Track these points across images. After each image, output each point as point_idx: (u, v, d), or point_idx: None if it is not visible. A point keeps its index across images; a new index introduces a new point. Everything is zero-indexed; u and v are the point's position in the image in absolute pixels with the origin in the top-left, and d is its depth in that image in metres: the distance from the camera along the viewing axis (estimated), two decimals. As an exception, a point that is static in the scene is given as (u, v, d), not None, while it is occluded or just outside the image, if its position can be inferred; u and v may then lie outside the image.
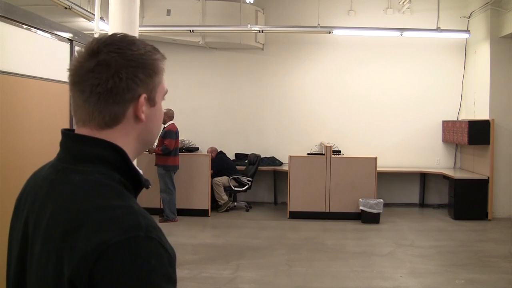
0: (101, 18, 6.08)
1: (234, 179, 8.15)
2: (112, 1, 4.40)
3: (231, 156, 8.86)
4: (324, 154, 7.81)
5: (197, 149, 8.91)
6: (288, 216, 7.70)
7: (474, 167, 8.27)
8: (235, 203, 8.45)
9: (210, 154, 8.07)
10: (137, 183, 0.96)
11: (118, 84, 0.91)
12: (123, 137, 0.94)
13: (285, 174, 8.03)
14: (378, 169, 7.72)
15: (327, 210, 7.64)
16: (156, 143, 7.06)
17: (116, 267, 0.77)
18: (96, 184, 0.88)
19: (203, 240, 6.57)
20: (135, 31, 4.45)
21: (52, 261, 0.82)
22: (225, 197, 8.14)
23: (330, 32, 8.06)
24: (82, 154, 0.92)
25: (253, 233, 6.90)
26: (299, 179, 7.69)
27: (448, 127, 8.57)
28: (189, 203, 7.67)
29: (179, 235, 6.55)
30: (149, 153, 7.17)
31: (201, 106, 9.16)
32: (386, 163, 8.52)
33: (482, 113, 8.06)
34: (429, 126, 8.90)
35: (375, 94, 8.94)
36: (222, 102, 9.19)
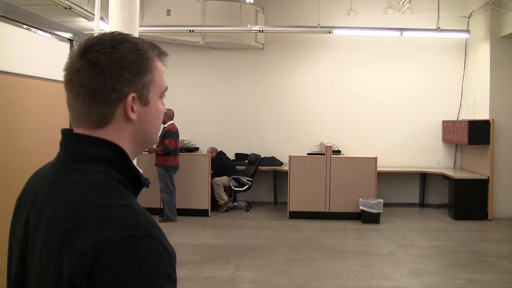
0: (101, 18, 6.08)
1: (234, 179, 8.15)
2: (112, 1, 4.40)
3: (231, 156, 8.86)
4: (324, 154, 7.81)
5: (197, 149, 8.92)
6: (288, 216, 7.70)
7: (474, 167, 8.27)
8: (235, 203, 8.45)
9: (210, 154, 8.07)
10: (137, 182, 0.95)
11: (102, 84, 0.90)
12: (115, 137, 0.93)
13: (285, 174, 8.03)
14: (378, 169, 7.72)
15: (327, 210, 7.64)
16: (156, 143, 7.05)
17: (115, 266, 0.77)
18: (96, 183, 0.88)
19: (203, 240, 6.57)
20: (135, 31, 4.45)
21: (52, 260, 0.82)
22: (225, 197, 8.14)
23: (330, 32, 8.06)
24: (82, 154, 0.92)
25: (253, 233, 6.90)
26: (299, 179, 7.69)
27: (448, 127, 8.57)
28: (189, 203, 7.67)
29: (179, 235, 6.55)
30: (149, 153, 7.17)
31: (201, 106, 9.16)
32: (386, 163, 8.52)
33: (482, 113, 8.06)
34: (429, 126, 8.90)
35: (375, 94, 8.94)
36: (222, 102, 9.19)
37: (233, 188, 8.14)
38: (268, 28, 8.39)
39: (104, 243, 0.78)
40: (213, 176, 8.05)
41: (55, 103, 2.55)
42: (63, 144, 0.96)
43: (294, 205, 7.70)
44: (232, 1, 8.38)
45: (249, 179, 8.19)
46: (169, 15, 8.20)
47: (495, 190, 7.72)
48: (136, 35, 4.48)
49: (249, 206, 8.44)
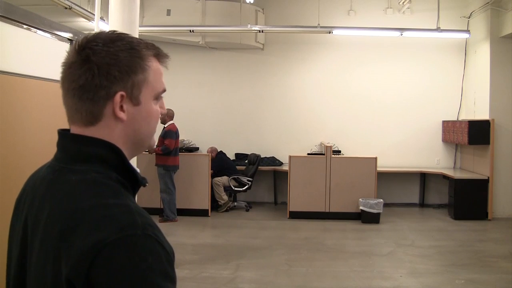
0: (101, 18, 6.08)
1: (234, 179, 8.15)
2: (112, 1, 4.39)
3: (231, 156, 8.86)
4: (324, 154, 7.81)
5: (197, 149, 8.92)
6: (288, 216, 7.70)
7: (474, 167, 8.27)
8: (235, 203, 8.45)
9: (210, 154, 8.07)
10: (134, 181, 0.95)
11: (90, 80, 0.90)
12: (106, 136, 0.93)
13: (285, 174, 8.03)
14: (378, 169, 7.72)
15: (327, 210, 7.64)
16: (156, 143, 7.06)
17: (113, 266, 0.77)
18: (93, 183, 0.88)
19: (203, 240, 6.57)
20: (135, 31, 4.45)
21: (50, 260, 0.82)
22: (225, 197, 8.14)
23: (330, 32, 8.06)
24: (79, 154, 0.92)
25: (253, 233, 6.90)
26: (299, 179, 7.69)
27: (448, 127, 8.57)
28: (189, 203, 7.67)
29: (179, 235, 6.55)
30: (149, 153, 7.17)
31: (201, 106, 9.16)
32: (386, 163, 8.52)
33: (482, 113, 8.06)
34: (429, 126, 8.90)
35: (375, 94, 8.94)
36: (222, 102, 9.19)
37: (233, 188, 8.14)
38: (268, 28, 8.39)
39: (102, 243, 0.77)
40: (213, 176, 8.05)
41: (55, 103, 2.54)
42: (59, 144, 0.96)
43: (294, 205, 7.70)
44: (232, 1, 8.39)
45: (249, 179, 8.19)
46: (169, 15, 8.20)
47: (495, 190, 7.72)
48: (136, 35, 4.48)
49: (249, 206, 8.45)
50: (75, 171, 0.90)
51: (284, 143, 8.97)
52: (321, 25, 8.00)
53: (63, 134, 0.96)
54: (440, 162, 8.94)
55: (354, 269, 5.26)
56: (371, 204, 7.31)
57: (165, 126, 7.18)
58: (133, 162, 3.74)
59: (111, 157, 0.92)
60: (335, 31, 8.05)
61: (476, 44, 8.34)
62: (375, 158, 7.67)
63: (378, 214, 7.33)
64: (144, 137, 0.99)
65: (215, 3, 8.42)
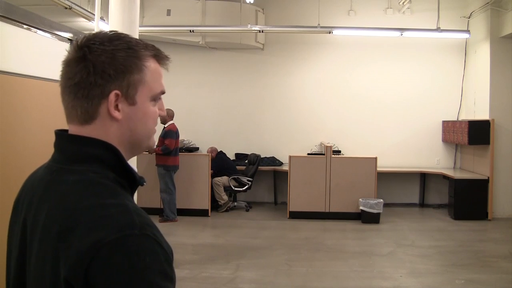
0: (101, 18, 6.08)
1: (234, 179, 8.15)
2: (112, 1, 4.40)
3: (231, 156, 8.86)
4: (324, 154, 7.81)
5: (197, 149, 8.92)
6: (288, 216, 7.70)
7: (474, 167, 8.27)
8: (235, 203, 8.45)
9: (210, 154, 8.07)
10: (132, 181, 0.95)
11: (85, 78, 0.90)
12: (102, 134, 0.93)
13: (285, 174, 8.03)
14: (378, 169, 7.72)
15: (327, 210, 7.64)
16: (156, 143, 7.06)
17: (111, 266, 0.77)
18: (90, 184, 0.88)
19: (203, 240, 6.57)
20: (135, 31, 4.45)
21: (49, 261, 0.82)
22: (225, 197, 8.14)
23: (330, 32, 8.06)
24: (76, 154, 0.92)
25: (253, 233, 6.90)
26: (299, 179, 7.69)
27: (448, 127, 8.57)
28: (189, 203, 7.67)
29: (179, 235, 6.55)
30: (149, 153, 7.17)
31: (201, 106, 9.16)
32: (386, 163, 8.52)
33: (482, 113, 8.06)
34: (429, 126, 8.90)
35: (375, 94, 8.94)
36: (222, 102, 9.19)
37: (233, 188, 8.14)
38: (268, 28, 8.39)
39: (100, 244, 0.77)
40: (213, 176, 8.05)
41: (55, 103, 2.54)
42: (57, 145, 0.96)
43: (294, 205, 7.70)
44: (232, 1, 8.38)
45: (249, 179, 8.19)
46: (169, 15, 8.20)
47: (495, 190, 7.72)
48: (136, 35, 4.48)
49: (249, 206, 8.44)
50: (72, 171, 0.90)
51: (284, 143, 8.97)
52: (321, 25, 8.00)
53: (60, 134, 0.96)
54: (440, 162, 8.94)
55: (354, 269, 5.26)
56: (371, 204, 7.31)
57: (165, 126, 7.18)
58: (133, 162, 3.74)
59: (108, 157, 0.92)
60: (335, 31, 8.05)
61: (476, 44, 8.34)
62: (375, 158, 7.67)
63: (378, 214, 7.33)
64: (140, 138, 0.98)
65: (215, 3, 8.42)
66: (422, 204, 8.86)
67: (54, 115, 2.64)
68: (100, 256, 0.77)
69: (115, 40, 0.93)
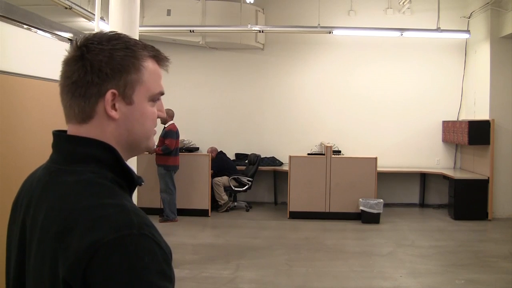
0: (101, 18, 6.08)
1: (234, 179, 8.15)
2: (112, 1, 4.40)
3: (231, 156, 8.86)
4: (324, 154, 7.81)
5: (197, 149, 8.92)
6: (288, 216, 7.70)
7: (474, 167, 8.27)
8: (235, 203, 8.45)
9: (210, 154, 8.07)
10: (130, 180, 0.95)
11: (82, 77, 0.90)
12: (99, 134, 0.93)
13: (285, 174, 8.03)
14: (378, 169, 7.72)
15: (327, 210, 7.64)
16: (156, 143, 7.06)
17: (109, 266, 0.77)
18: (88, 184, 0.88)
19: (203, 240, 6.57)
20: (135, 31, 4.45)
21: (47, 262, 0.82)
22: (225, 197, 8.14)
23: (330, 32, 8.06)
24: (74, 155, 0.92)
25: (253, 233, 6.90)
26: (299, 179, 7.69)
27: (448, 127, 8.57)
28: (189, 203, 7.67)
29: (179, 235, 6.55)
30: (149, 153, 7.17)
31: (201, 106, 9.16)
32: (386, 163, 8.52)
33: (482, 113, 8.06)
34: (429, 126, 8.90)
35: (375, 94, 8.94)
36: (222, 102, 9.19)
37: (233, 188, 8.14)
38: (268, 28, 8.39)
39: (98, 244, 0.77)
40: (213, 176, 8.05)
41: (55, 103, 2.54)
42: (54, 146, 0.96)
43: (294, 205, 7.70)
44: (232, 1, 8.39)
45: (249, 179, 8.19)
46: (169, 15, 8.20)
47: (495, 190, 7.72)
48: (136, 35, 4.48)
49: (249, 206, 8.44)
50: (70, 172, 0.90)
51: (284, 143, 8.97)
52: (321, 25, 8.00)
53: (58, 135, 0.96)
54: (440, 162, 8.94)
55: (354, 269, 5.26)
56: (371, 204, 7.31)
57: (166, 126, 7.18)
58: (133, 162, 3.74)
59: (106, 157, 0.92)
60: (335, 31, 8.05)
61: (476, 44, 8.34)
62: (375, 158, 7.67)
63: (378, 214, 7.33)
64: (138, 138, 0.98)
65: (215, 3, 8.42)
66: (422, 204, 8.86)
67: (54, 115, 2.64)
68: (98, 256, 0.77)
69: (114, 40, 0.93)
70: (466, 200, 7.61)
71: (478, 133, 7.67)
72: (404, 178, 8.85)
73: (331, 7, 8.83)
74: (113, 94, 0.92)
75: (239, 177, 8.19)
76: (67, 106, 0.94)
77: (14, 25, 2.49)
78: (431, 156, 8.92)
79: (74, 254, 0.78)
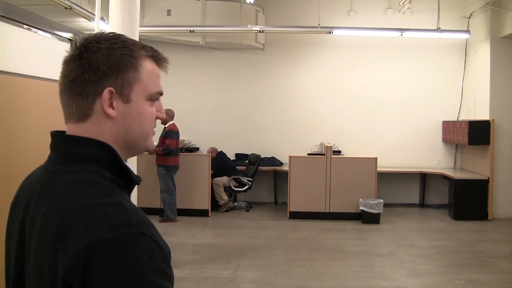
0: (102, 18, 6.08)
1: (234, 179, 8.15)
2: (113, 1, 4.40)
3: (231, 156, 8.86)
4: (324, 154, 7.81)
5: (197, 149, 8.91)
6: (288, 216, 7.70)
7: (474, 167, 8.27)
8: (235, 203, 8.45)
9: (210, 154, 8.07)
10: (128, 180, 0.95)
11: (80, 75, 0.91)
12: (97, 132, 0.93)
13: (285, 174, 8.03)
14: (378, 169, 7.72)
15: (327, 210, 7.64)
16: (157, 143, 7.07)
17: (108, 265, 0.77)
18: (87, 183, 0.88)
19: (203, 240, 6.57)
20: (136, 31, 4.45)
21: (47, 262, 0.82)
22: (225, 197, 8.14)
23: (330, 32, 8.06)
24: (72, 154, 0.92)
25: (253, 233, 6.90)
26: (299, 179, 7.69)
27: (448, 127, 8.57)
28: (189, 203, 7.67)
29: (179, 235, 6.55)
30: (149, 153, 7.16)
31: (201, 106, 9.16)
32: (386, 163, 8.52)
33: (482, 113, 8.06)
34: (429, 126, 8.90)
35: (375, 94, 8.94)
36: (222, 102, 9.19)
37: (233, 188, 8.14)
38: (268, 29, 8.39)
39: (97, 243, 0.78)
40: (213, 176, 8.05)
41: (55, 103, 2.54)
42: (53, 146, 0.97)
43: (294, 205, 7.70)
44: (232, 1, 8.39)
45: (249, 179, 8.19)
46: (170, 15, 8.20)
47: (495, 190, 7.72)
48: (136, 35, 4.48)
49: (249, 206, 8.44)
50: (69, 171, 0.90)
51: (284, 143, 8.97)
52: (321, 25, 8.00)
53: (56, 135, 0.96)
54: (440, 163, 8.94)
55: (354, 269, 5.26)
56: (371, 204, 7.31)
57: (166, 126, 7.18)
58: (133, 162, 3.74)
59: (105, 157, 0.92)
60: (335, 31, 8.05)
61: (476, 45, 8.34)
62: (375, 158, 7.67)
63: (378, 214, 7.33)
64: (136, 138, 0.97)
65: (215, 3, 8.42)
66: (422, 204, 8.86)
67: (54, 115, 2.64)
68: (97, 255, 0.77)
69: (112, 39, 0.94)
70: (466, 200, 7.61)
71: (478, 133, 7.67)
72: (404, 178, 8.85)
73: (331, 7, 8.83)
74: (111, 92, 0.92)
75: (239, 177, 8.19)
76: (65, 105, 0.95)
77: (14, 25, 2.49)
78: (431, 156, 8.93)
79: (73, 253, 0.78)
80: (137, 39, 4.48)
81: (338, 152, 8.31)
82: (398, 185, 8.88)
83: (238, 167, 8.52)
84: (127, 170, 0.95)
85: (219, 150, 8.48)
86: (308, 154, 8.30)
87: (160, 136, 7.15)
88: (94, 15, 5.00)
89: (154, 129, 1.02)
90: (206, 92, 9.19)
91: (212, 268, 5.21)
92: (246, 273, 5.10)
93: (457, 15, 8.59)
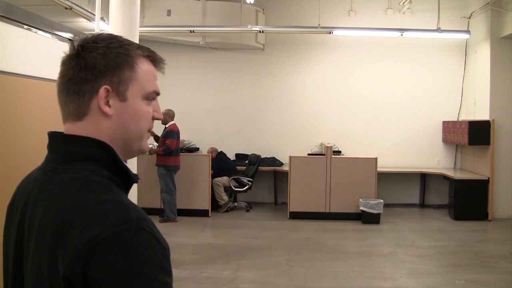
0: (102, 18, 6.09)
1: (234, 179, 8.15)
2: (113, 2, 4.40)
3: (232, 157, 8.86)
4: (324, 155, 7.81)
5: (197, 149, 8.91)
6: (288, 217, 7.70)
7: (474, 168, 8.27)
8: (235, 204, 8.45)
9: (210, 154, 8.07)
10: (126, 178, 0.96)
11: (76, 74, 0.92)
12: (94, 131, 0.93)
13: (285, 174, 8.03)
14: (379, 169, 7.72)
15: (327, 211, 7.64)
16: (150, 147, 7.08)
17: (109, 261, 0.78)
18: (85, 181, 0.88)
19: (204, 240, 6.57)
20: (136, 31, 4.45)
21: (46, 260, 0.83)
22: (225, 198, 8.14)
23: (330, 33, 8.06)
24: (70, 154, 0.93)
25: (253, 233, 6.90)
26: (299, 179, 7.69)
27: (448, 127, 8.57)
28: (190, 203, 7.67)
29: (179, 235, 6.55)
30: (150, 154, 7.16)
31: (201, 106, 9.16)
32: (386, 164, 8.52)
33: (482, 114, 8.06)
34: (430, 126, 8.90)
35: (376, 95, 8.94)
36: (222, 102, 9.19)
37: (234, 188, 8.14)
38: (268, 29, 8.39)
39: (97, 239, 0.78)
40: (214, 176, 8.05)
41: (55, 103, 2.55)
42: (50, 146, 0.97)
43: (294, 206, 7.69)
44: (232, 1, 8.39)
45: (250, 179, 8.19)
46: (170, 15, 8.20)
47: (495, 190, 7.72)
48: (137, 35, 4.48)
49: (249, 206, 8.44)
50: (67, 170, 0.90)
51: (284, 143, 8.97)
52: (321, 26, 8.00)
53: (53, 135, 0.97)
54: (440, 163, 8.93)
55: (354, 269, 5.26)
56: (371, 204, 7.30)
57: (166, 126, 7.18)
58: (133, 162, 3.74)
59: (102, 155, 0.92)
60: (335, 32, 8.05)
61: (476, 45, 8.34)
62: (376, 159, 7.67)
63: (378, 215, 7.33)
64: (132, 136, 0.97)
65: (216, 4, 8.42)
66: (422, 205, 8.86)
67: (54, 115, 2.64)
68: (97, 252, 0.77)
69: (108, 39, 0.95)
70: (466, 200, 7.61)
71: (478, 133, 7.67)
72: (404, 178, 8.85)
73: (331, 7, 8.83)
74: (107, 90, 0.92)
75: (239, 177, 8.19)
76: (63, 104, 0.95)
77: (14, 25, 2.49)
78: (431, 156, 8.92)
79: (74, 250, 0.78)
80: (137, 39, 4.49)
81: (338, 152, 8.32)
82: (398, 185, 8.88)
83: (238, 167, 8.52)
84: (125, 168, 0.95)
85: (219, 150, 8.47)
86: (308, 154, 8.29)
87: (161, 136, 7.15)
88: (94, 15, 5.01)
89: (152, 130, 1.02)
90: (206, 92, 9.19)
91: (212, 268, 5.21)
92: (246, 273, 5.10)
93: (457, 15, 8.59)
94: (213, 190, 7.98)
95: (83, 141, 0.93)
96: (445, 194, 8.37)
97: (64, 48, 2.94)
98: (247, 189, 8.19)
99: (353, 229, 7.06)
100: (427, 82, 8.87)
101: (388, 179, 8.63)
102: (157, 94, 1.00)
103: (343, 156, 8.26)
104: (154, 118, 1.01)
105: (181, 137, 7.58)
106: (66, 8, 6.28)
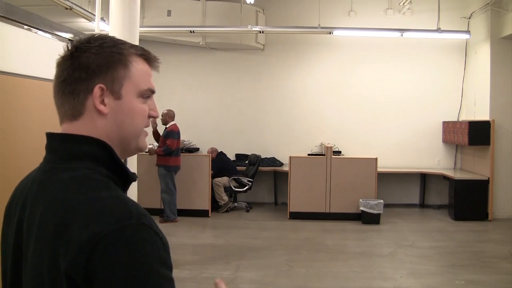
0: (102, 19, 6.08)
1: (234, 179, 8.15)
2: (113, 2, 4.40)
3: (232, 157, 8.86)
4: (324, 155, 7.81)
5: (197, 149, 8.91)
6: (288, 217, 7.70)
7: (474, 168, 8.27)
8: (236, 204, 8.45)
9: (210, 154, 8.07)
10: (124, 177, 0.96)
11: (71, 74, 0.93)
12: (90, 129, 0.94)
13: (285, 174, 8.03)
14: (379, 169, 7.71)
15: (327, 211, 7.64)
16: (148, 146, 7.08)
17: (111, 257, 0.78)
18: (84, 179, 0.88)
19: (204, 240, 6.57)
20: (136, 32, 4.45)
21: (46, 259, 0.83)
22: (226, 198, 8.14)
23: (330, 33, 8.06)
24: (68, 153, 0.93)
25: (253, 233, 6.90)
26: (299, 179, 7.68)
27: (449, 127, 8.57)
28: (190, 204, 7.67)
29: (179, 236, 6.55)
30: (150, 154, 7.17)
31: (201, 107, 9.16)
32: (386, 164, 8.52)
33: (482, 114, 8.06)
34: (430, 126, 8.90)
35: (376, 95, 8.94)
36: (222, 102, 9.19)
37: (234, 188, 8.14)
38: (268, 29, 8.39)
39: (99, 236, 0.78)
40: (214, 176, 8.04)
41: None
42: (48, 146, 0.97)
43: (295, 206, 7.69)
44: (232, 1, 8.39)
45: (250, 179, 8.19)
46: (170, 15, 8.21)
47: (495, 190, 7.71)
48: (137, 35, 4.48)
49: (250, 206, 8.44)
50: (65, 169, 0.90)
51: (284, 143, 8.97)
52: (321, 26, 8.00)
53: (51, 135, 0.97)
54: (441, 163, 8.93)
55: (354, 269, 5.26)
56: (371, 204, 7.30)
57: (167, 126, 7.18)
58: (133, 162, 3.74)
59: (101, 154, 0.93)
60: (335, 32, 8.05)
61: (477, 45, 8.34)
62: (376, 159, 7.67)
63: (378, 215, 7.32)
64: (128, 135, 0.98)
65: (216, 4, 8.43)
66: (422, 205, 8.86)
67: (54, 115, 2.64)
68: (99, 249, 0.78)
69: (102, 39, 0.96)
70: (466, 200, 7.60)
71: (478, 133, 7.67)
72: (404, 178, 8.85)
73: (331, 7, 8.83)
74: (101, 89, 0.93)
75: (239, 177, 8.19)
76: (59, 105, 0.96)
77: (14, 25, 2.49)
78: (431, 156, 8.92)
79: (75, 247, 0.79)
80: (137, 39, 4.49)
81: (338, 152, 8.32)
82: (398, 185, 8.88)
83: (238, 168, 8.52)
84: (123, 166, 0.95)
85: (219, 151, 8.47)
86: (308, 155, 8.29)
87: (161, 136, 7.15)
88: (94, 15, 5.01)
89: (146, 129, 1.02)
90: (206, 93, 9.19)
91: (212, 269, 5.22)
92: (247, 274, 5.09)
93: (457, 16, 8.60)
94: (213, 190, 7.98)
95: (81, 139, 0.93)
96: (445, 194, 8.37)
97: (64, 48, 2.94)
98: (247, 189, 8.19)
99: (353, 230, 7.06)
100: (427, 82, 8.88)
101: (388, 179, 8.63)
102: (152, 92, 1.01)
103: (343, 156, 8.26)
104: (150, 116, 1.01)
105: (181, 137, 7.58)
106: (66, 8, 6.28)
